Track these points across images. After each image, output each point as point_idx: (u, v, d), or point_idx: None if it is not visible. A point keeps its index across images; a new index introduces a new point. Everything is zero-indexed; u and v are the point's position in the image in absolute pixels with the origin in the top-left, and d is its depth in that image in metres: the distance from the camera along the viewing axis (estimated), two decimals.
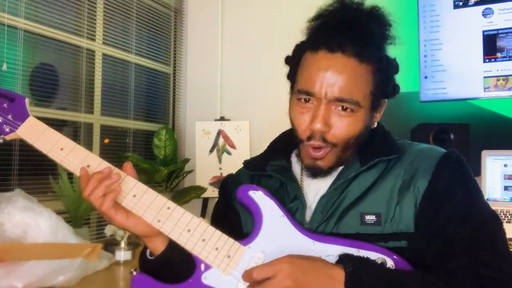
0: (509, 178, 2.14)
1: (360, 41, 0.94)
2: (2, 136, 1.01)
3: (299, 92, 0.98)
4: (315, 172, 1.01)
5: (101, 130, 2.67)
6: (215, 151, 2.92)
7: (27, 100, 1.03)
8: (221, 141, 2.93)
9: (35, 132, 1.01)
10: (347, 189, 0.99)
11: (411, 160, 0.99)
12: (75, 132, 2.52)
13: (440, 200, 0.93)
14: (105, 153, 2.68)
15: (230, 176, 1.20)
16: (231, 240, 0.94)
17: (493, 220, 0.93)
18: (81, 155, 1.00)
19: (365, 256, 0.88)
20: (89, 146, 2.58)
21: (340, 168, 1.02)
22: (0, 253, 1.46)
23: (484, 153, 2.18)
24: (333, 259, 0.90)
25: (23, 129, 1.01)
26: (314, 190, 1.04)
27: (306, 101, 0.97)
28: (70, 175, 2.13)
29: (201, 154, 2.93)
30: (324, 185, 1.02)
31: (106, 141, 2.73)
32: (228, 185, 1.16)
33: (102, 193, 0.94)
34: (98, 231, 2.49)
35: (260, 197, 0.98)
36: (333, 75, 0.93)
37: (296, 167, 1.09)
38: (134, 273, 1.00)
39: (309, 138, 0.97)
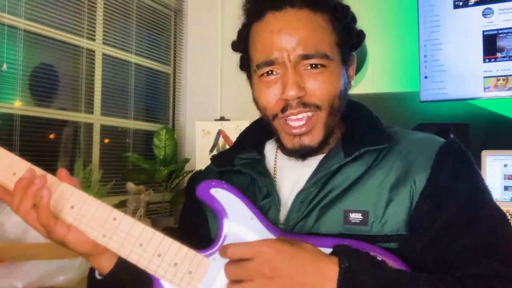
0: (509, 178, 2.14)
1: None
2: None
3: (259, 67, 0.85)
4: (304, 152, 0.87)
5: (101, 130, 2.67)
6: (215, 151, 2.93)
7: None
8: (221, 141, 2.93)
9: None
10: (329, 183, 0.85)
11: (406, 151, 0.85)
12: (75, 132, 2.52)
13: (442, 199, 0.80)
14: (105, 153, 2.68)
15: (198, 172, 1.04)
16: (192, 252, 0.78)
17: (503, 222, 0.81)
18: (4, 161, 0.81)
19: (364, 250, 0.75)
20: (89, 146, 2.59)
21: (322, 156, 0.88)
22: (0, 253, 1.46)
23: (484, 153, 2.18)
24: None
25: None
26: (291, 183, 0.90)
27: (269, 73, 0.85)
28: (71, 174, 2.13)
29: (201, 154, 2.93)
30: (302, 177, 0.88)
31: (106, 141, 2.73)
32: (195, 183, 0.98)
33: (30, 204, 0.77)
34: None
35: (224, 196, 0.82)
36: (289, 32, 0.82)
37: (270, 159, 0.96)
38: None
39: (284, 109, 0.84)
